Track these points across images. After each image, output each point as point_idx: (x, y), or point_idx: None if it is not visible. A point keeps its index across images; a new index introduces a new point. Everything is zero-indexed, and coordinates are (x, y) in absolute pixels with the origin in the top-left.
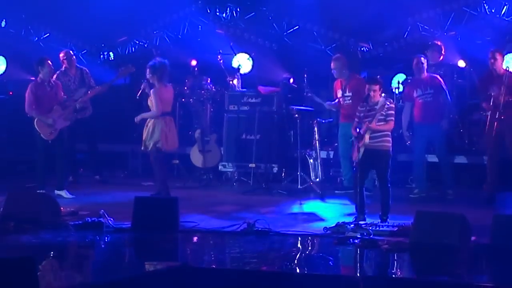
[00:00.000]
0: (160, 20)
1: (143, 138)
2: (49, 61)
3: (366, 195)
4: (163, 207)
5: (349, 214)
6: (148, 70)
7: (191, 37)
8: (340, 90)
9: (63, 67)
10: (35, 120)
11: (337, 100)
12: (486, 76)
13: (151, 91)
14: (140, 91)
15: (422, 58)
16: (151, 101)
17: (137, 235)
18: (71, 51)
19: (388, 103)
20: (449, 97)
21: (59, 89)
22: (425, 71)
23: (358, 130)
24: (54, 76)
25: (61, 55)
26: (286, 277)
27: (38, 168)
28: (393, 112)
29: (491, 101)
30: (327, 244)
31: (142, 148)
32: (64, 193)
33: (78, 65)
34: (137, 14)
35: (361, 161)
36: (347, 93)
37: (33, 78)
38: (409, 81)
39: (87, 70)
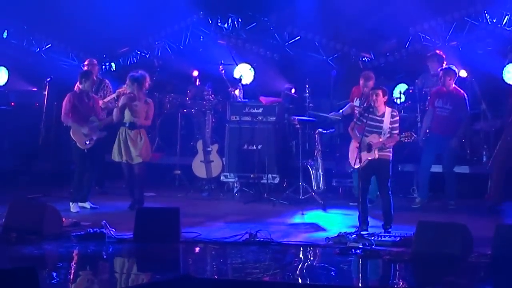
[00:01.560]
0: (161, 31)
1: (140, 151)
2: (94, 76)
3: (368, 207)
4: (165, 217)
5: (351, 225)
6: (128, 79)
7: (193, 47)
8: (358, 99)
9: None
10: (71, 129)
11: (347, 107)
12: None
13: (150, 102)
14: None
15: (452, 71)
16: (139, 111)
17: (139, 245)
18: (94, 60)
19: (394, 114)
20: (468, 117)
21: (96, 103)
22: (452, 85)
23: (362, 137)
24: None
25: (85, 62)
26: (288, 287)
27: (75, 178)
28: (398, 124)
29: None
30: (329, 254)
31: (139, 160)
32: (87, 205)
33: (99, 76)
34: (139, 25)
35: (363, 171)
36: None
37: (35, 89)
38: (436, 89)
39: (108, 83)
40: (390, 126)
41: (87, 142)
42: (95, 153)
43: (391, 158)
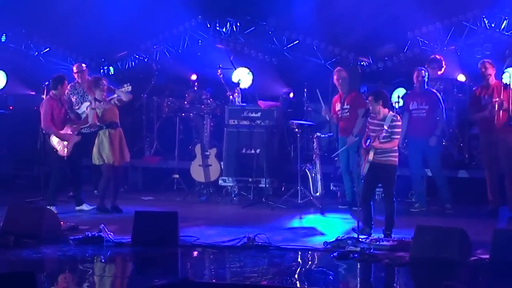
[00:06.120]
0: (160, 35)
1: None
2: (66, 81)
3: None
4: (163, 221)
5: (350, 229)
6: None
7: (191, 51)
8: (338, 103)
9: (76, 81)
10: (52, 136)
11: (334, 116)
12: None
13: (116, 100)
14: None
15: (423, 71)
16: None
17: (137, 249)
18: (83, 64)
19: (395, 118)
20: (444, 115)
21: (68, 107)
22: (425, 85)
23: (366, 143)
24: (67, 89)
25: (74, 68)
26: None
27: (52, 184)
28: (398, 129)
29: None
30: (327, 258)
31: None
32: (85, 207)
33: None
34: (137, 29)
35: (367, 175)
36: (345, 106)
37: (33, 93)
38: (409, 92)
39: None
40: (390, 130)
41: (68, 149)
42: (74, 157)
43: (396, 163)
